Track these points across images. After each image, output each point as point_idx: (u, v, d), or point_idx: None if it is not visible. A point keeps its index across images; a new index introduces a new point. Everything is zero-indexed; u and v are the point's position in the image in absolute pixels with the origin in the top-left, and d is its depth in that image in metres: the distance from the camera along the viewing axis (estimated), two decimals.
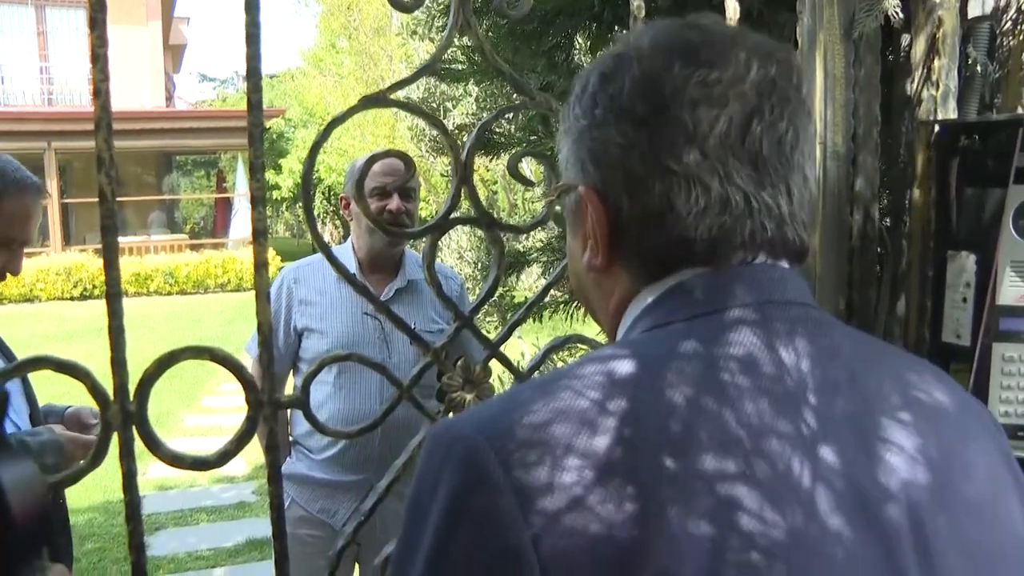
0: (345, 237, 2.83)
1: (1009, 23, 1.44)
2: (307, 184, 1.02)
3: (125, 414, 0.94)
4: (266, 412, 1.00)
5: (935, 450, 0.65)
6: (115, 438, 0.95)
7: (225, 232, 19.89)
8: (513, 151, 2.73)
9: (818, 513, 0.58)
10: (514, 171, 1.14)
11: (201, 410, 7.71)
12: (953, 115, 1.43)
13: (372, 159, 1.05)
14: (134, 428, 0.95)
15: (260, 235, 0.97)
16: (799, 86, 0.70)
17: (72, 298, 15.10)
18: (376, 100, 1.01)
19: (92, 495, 5.66)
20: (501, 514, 0.56)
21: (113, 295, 0.92)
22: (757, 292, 0.67)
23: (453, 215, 1.08)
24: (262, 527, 5.24)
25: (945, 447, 0.66)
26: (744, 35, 0.71)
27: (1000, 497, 0.67)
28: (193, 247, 17.72)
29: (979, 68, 1.48)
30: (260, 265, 0.98)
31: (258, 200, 0.97)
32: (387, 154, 1.09)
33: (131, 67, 18.59)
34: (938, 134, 1.40)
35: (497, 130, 2.83)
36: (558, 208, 0.81)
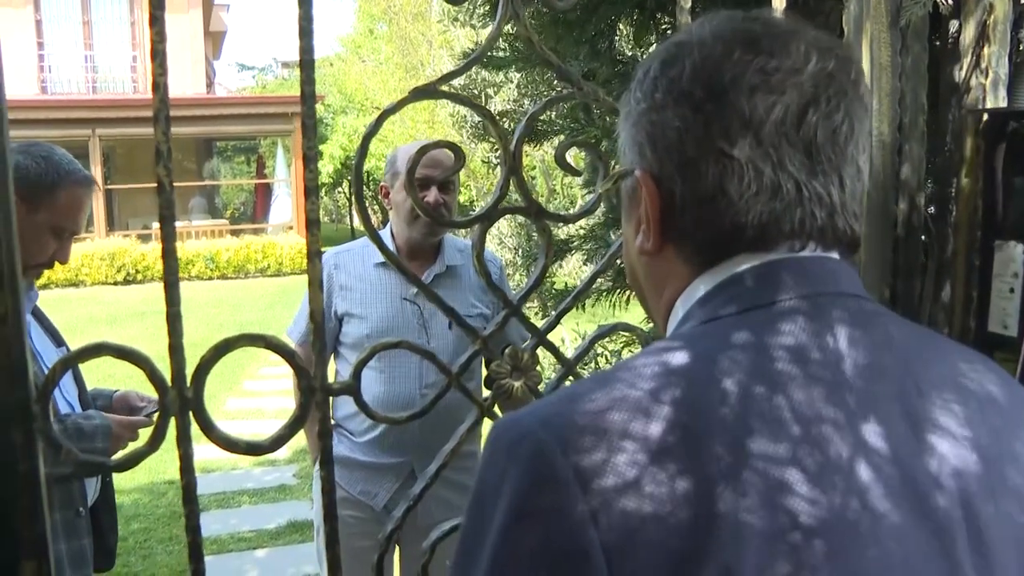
0: (383, 223, 2.86)
1: None
2: (359, 174, 1.04)
3: (183, 400, 0.96)
4: (318, 398, 1.02)
5: (986, 439, 0.66)
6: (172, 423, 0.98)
7: (265, 217, 20.10)
8: (558, 140, 2.73)
9: (870, 501, 0.59)
10: (562, 161, 1.15)
11: (243, 393, 7.82)
12: (1003, 103, 1.42)
13: (423, 150, 1.07)
14: (191, 413, 0.98)
15: (313, 225, 0.99)
16: (857, 82, 0.71)
17: (116, 283, 15.37)
18: (427, 92, 1.02)
19: (138, 476, 5.78)
20: (569, 513, 0.57)
21: (171, 283, 0.95)
22: (809, 284, 0.68)
23: (501, 205, 1.10)
24: (303, 509, 5.32)
25: (996, 436, 0.67)
26: (805, 30, 0.72)
27: None
28: (233, 232, 17.93)
29: None
30: (313, 254, 1.00)
31: (311, 190, 0.99)
32: (437, 145, 1.10)
33: (172, 54, 18.71)
34: (987, 122, 1.39)
35: (540, 117, 2.84)
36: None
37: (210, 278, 15.80)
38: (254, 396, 7.75)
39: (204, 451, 5.68)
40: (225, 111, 17.76)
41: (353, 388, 1.06)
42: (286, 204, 18.99)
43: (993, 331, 1.42)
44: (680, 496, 0.56)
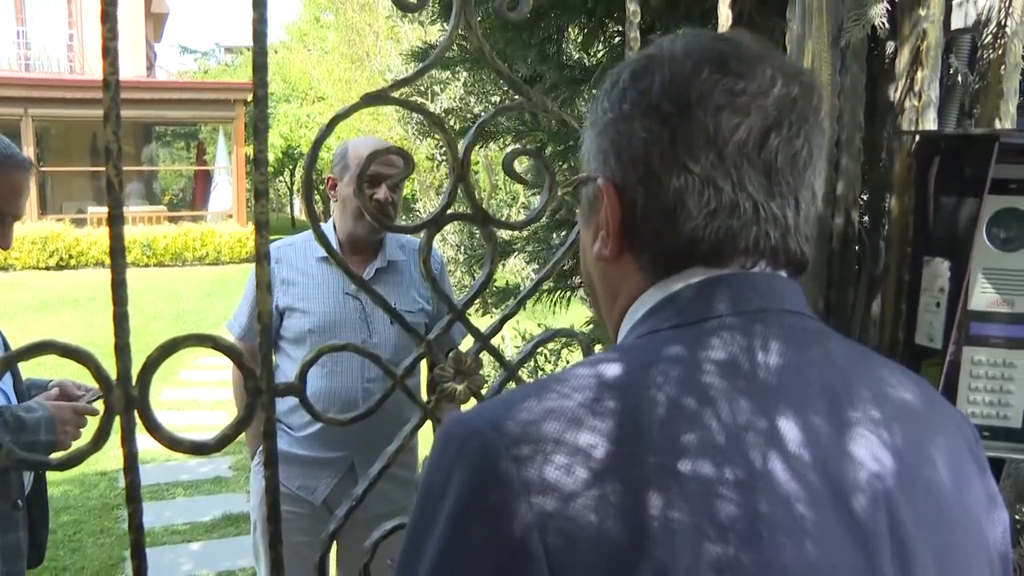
0: (324, 214, 2.87)
1: (989, 37, 1.49)
2: (308, 179, 1.04)
3: (128, 398, 0.96)
4: (264, 400, 1.03)
5: (905, 445, 0.68)
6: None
7: (204, 205, 19.75)
8: (503, 140, 2.75)
9: (795, 508, 0.61)
10: (509, 169, 1.17)
11: (179, 384, 7.70)
12: (933, 125, 1.48)
13: (373, 156, 1.08)
14: (136, 412, 0.98)
15: (262, 227, 1.00)
16: (818, 108, 0.73)
17: (48, 267, 14.97)
18: (378, 98, 1.03)
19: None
20: (514, 513, 0.58)
21: (119, 282, 0.95)
22: (754, 300, 0.70)
23: (449, 211, 1.12)
24: (238, 502, 5.27)
25: (916, 443, 0.70)
26: (773, 55, 0.74)
27: (964, 485, 0.71)
28: (171, 219, 17.59)
29: (960, 79, 1.53)
30: (261, 256, 1.01)
31: (261, 193, 0.99)
32: (387, 151, 1.11)
33: None
34: (918, 143, 1.45)
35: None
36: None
37: (147, 265, 15.48)
38: (190, 386, 7.64)
39: (137, 443, 5.58)
40: (165, 95, 17.39)
41: (299, 389, 1.07)
42: (226, 192, 18.70)
43: (920, 343, 1.48)
44: (614, 504, 0.58)
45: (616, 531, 0.57)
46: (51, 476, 3.91)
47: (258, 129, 0.99)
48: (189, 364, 8.34)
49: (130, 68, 18.52)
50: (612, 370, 0.66)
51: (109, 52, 0.90)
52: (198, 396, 7.27)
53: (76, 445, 1.62)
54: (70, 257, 15.18)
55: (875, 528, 0.63)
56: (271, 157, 21.86)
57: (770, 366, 0.67)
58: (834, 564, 0.61)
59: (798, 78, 0.72)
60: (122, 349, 0.96)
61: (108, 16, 0.89)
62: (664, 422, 0.62)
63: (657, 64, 0.73)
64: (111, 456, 5.84)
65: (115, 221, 0.94)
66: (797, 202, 0.72)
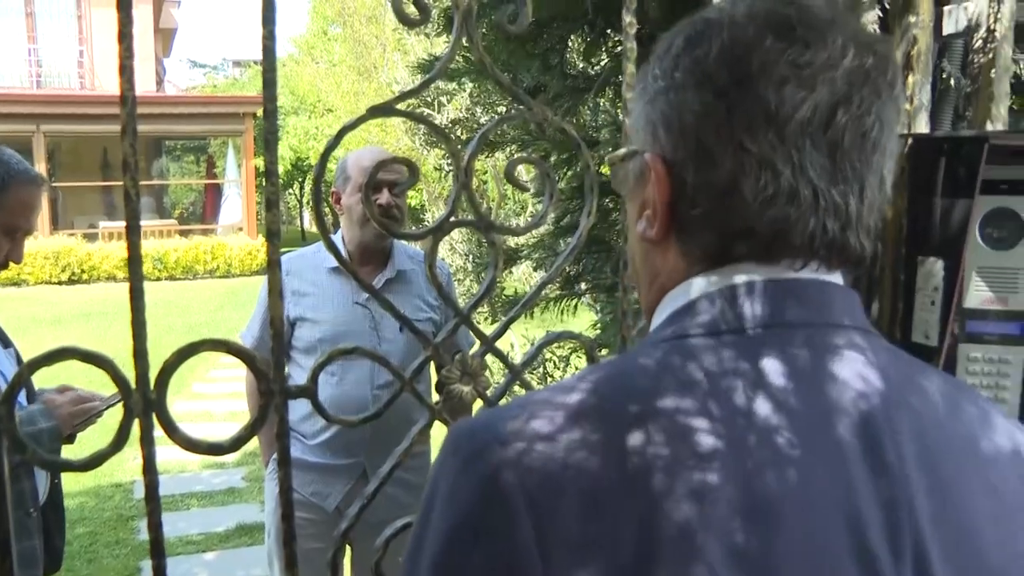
0: (334, 227, 2.92)
1: (980, 41, 1.52)
2: (317, 189, 1.08)
3: (146, 402, 1.00)
4: (277, 401, 1.07)
5: (892, 370, 0.66)
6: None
7: (214, 218, 19.87)
8: (508, 150, 2.80)
9: (776, 439, 0.59)
10: (511, 176, 1.21)
11: (192, 396, 7.74)
12: (926, 128, 1.51)
13: (381, 164, 1.12)
14: (154, 415, 1.02)
15: (274, 236, 1.04)
16: (893, 82, 0.66)
17: (60, 282, 15.10)
18: (384, 110, 1.08)
19: (83, 479, 5.71)
20: (513, 536, 0.57)
21: (136, 290, 0.99)
22: (798, 311, 0.65)
23: (453, 218, 1.15)
24: (252, 512, 5.30)
25: (902, 373, 0.67)
26: (845, 21, 0.66)
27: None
28: (182, 233, 17.72)
29: (953, 82, 1.56)
30: (273, 263, 1.05)
31: (272, 203, 1.03)
32: (394, 160, 1.16)
33: None
34: (911, 146, 1.48)
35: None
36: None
37: (158, 279, 15.58)
38: (203, 399, 7.68)
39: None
40: (175, 110, 17.54)
41: (311, 391, 1.11)
42: (236, 205, 18.81)
43: (917, 341, 1.51)
44: (593, 441, 0.58)
45: (596, 468, 0.57)
46: (66, 488, 3.96)
47: (268, 142, 1.03)
48: (202, 376, 8.39)
49: (140, 83, 18.44)
50: (629, 368, 0.65)
51: (126, 70, 0.94)
52: (212, 408, 7.31)
53: (86, 443, 1.66)
54: (82, 272, 15.30)
55: (856, 442, 0.61)
56: (280, 169, 21.98)
57: (786, 402, 0.61)
58: (821, 489, 0.59)
59: (872, 47, 0.65)
60: (140, 354, 1.00)
61: (125, 36, 0.93)
62: (652, 378, 0.62)
63: (715, 29, 0.66)
64: (126, 468, 5.89)
65: (133, 231, 0.98)
66: (863, 188, 0.65)
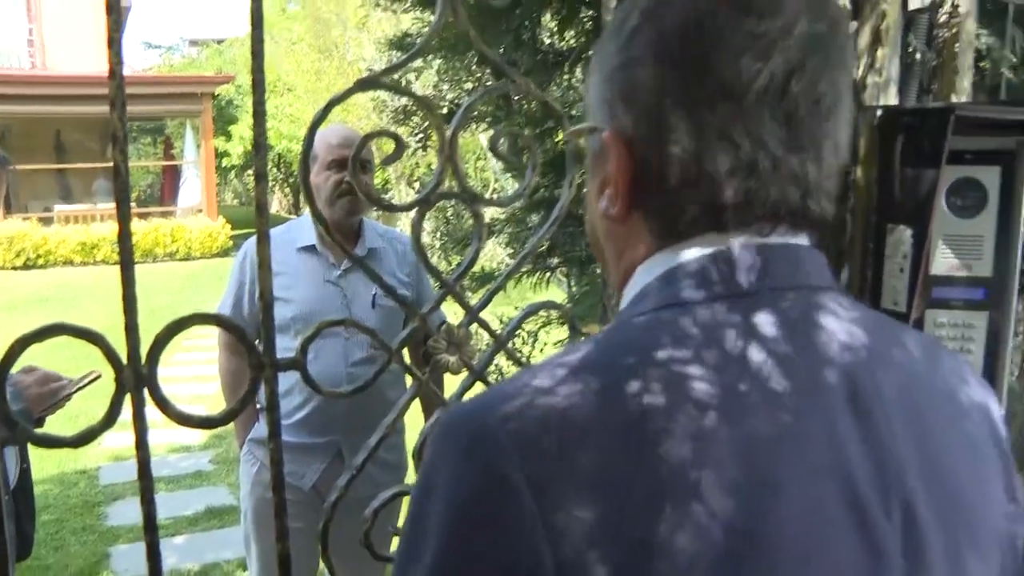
0: (294, 207, 2.92)
1: (944, 16, 1.56)
2: (305, 162, 1.09)
3: (138, 377, 1.01)
4: (267, 374, 1.08)
5: (873, 324, 0.68)
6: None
7: (173, 200, 19.59)
8: (477, 126, 2.81)
9: (769, 386, 0.60)
10: (496, 150, 1.23)
11: (161, 379, 7.65)
12: (894, 100, 1.55)
13: (369, 136, 1.13)
14: (145, 390, 1.03)
15: (263, 209, 1.05)
16: (844, 47, 0.67)
17: (15, 267, 14.80)
18: (373, 83, 1.09)
19: (47, 467, 5.66)
20: (519, 521, 0.56)
21: (126, 264, 0.99)
22: (771, 275, 0.65)
23: (439, 190, 1.17)
24: (220, 495, 5.29)
25: (880, 329, 0.69)
26: None
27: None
28: (140, 215, 17.42)
29: (919, 56, 1.60)
30: (262, 236, 1.05)
31: (261, 176, 1.04)
32: (380, 134, 1.17)
33: (74, 31, 18.12)
34: (880, 118, 1.52)
35: (459, 103, 2.91)
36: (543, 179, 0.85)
37: (117, 263, 15.29)
38: (168, 382, 7.53)
39: (116, 439, 5.59)
40: (131, 90, 16.76)
41: (300, 363, 1.12)
42: (195, 187, 18.55)
43: (886, 307, 1.55)
44: (592, 390, 0.59)
45: (595, 415, 0.58)
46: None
47: (257, 113, 1.03)
48: (165, 360, 8.24)
49: (94, 64, 18.31)
50: (607, 340, 0.66)
51: (114, 43, 0.94)
52: (177, 392, 7.24)
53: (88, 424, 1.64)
54: (38, 256, 15.01)
55: (840, 390, 0.63)
56: (240, 150, 21.71)
57: (777, 351, 0.62)
58: (807, 431, 0.60)
59: (826, 12, 0.65)
60: (131, 328, 1.00)
61: (113, 8, 0.93)
62: (647, 335, 0.63)
63: (670, 2, 0.66)
64: (90, 454, 5.84)
65: (122, 204, 0.98)
66: (820, 155, 0.65)
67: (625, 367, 0.61)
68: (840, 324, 0.66)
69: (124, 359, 1.00)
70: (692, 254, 0.66)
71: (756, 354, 0.62)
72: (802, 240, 0.68)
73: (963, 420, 0.70)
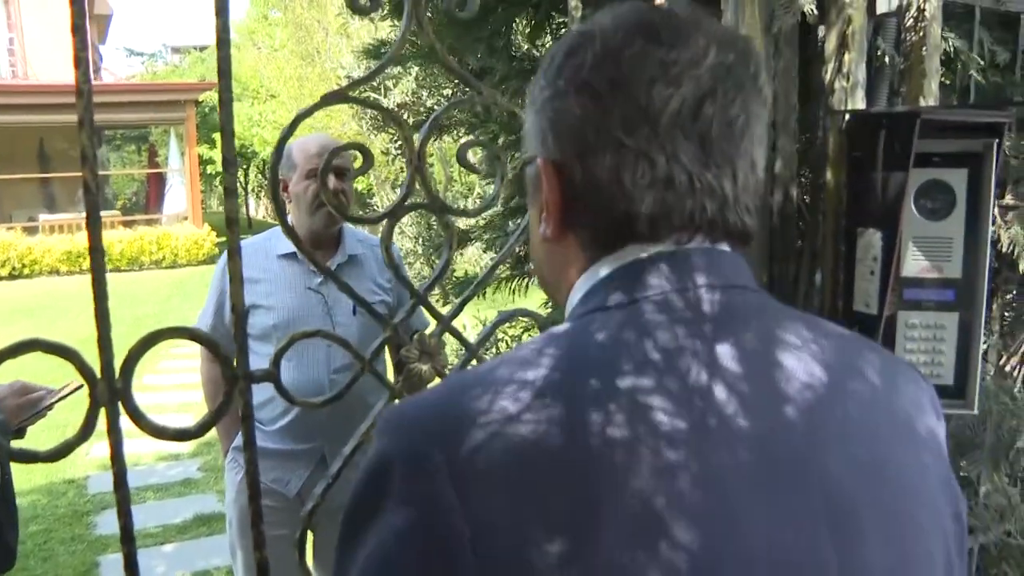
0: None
1: (911, 20, 1.58)
2: (274, 176, 1.10)
3: (112, 391, 1.02)
4: (241, 386, 1.09)
5: (831, 356, 0.70)
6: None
7: (158, 208, 19.54)
8: (456, 133, 2.82)
9: (727, 417, 0.63)
10: (464, 160, 1.24)
11: (143, 388, 7.64)
12: (862, 104, 1.57)
13: (337, 151, 1.14)
14: (120, 403, 1.03)
15: (233, 223, 1.06)
16: (756, 75, 0.72)
17: (0, 278, 14.73)
18: (339, 97, 1.10)
19: (34, 477, 5.64)
20: (439, 501, 0.59)
21: (99, 280, 1.00)
22: (691, 275, 0.69)
23: (407, 201, 1.18)
24: (209, 503, 5.28)
25: (839, 355, 0.71)
26: (706, 23, 0.73)
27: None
28: (126, 223, 17.36)
29: (887, 60, 1.62)
30: (233, 251, 1.06)
31: (231, 191, 1.05)
32: (349, 147, 1.17)
33: (55, 38, 18.04)
34: (848, 122, 1.54)
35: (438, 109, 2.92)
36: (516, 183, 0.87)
37: None
38: (154, 391, 7.59)
39: (104, 448, 5.56)
40: (114, 98, 17.10)
41: (274, 375, 1.13)
42: (180, 194, 18.51)
43: (858, 309, 1.57)
44: (554, 419, 0.60)
45: (556, 443, 0.60)
46: (17, 485, 3.90)
47: (225, 131, 1.04)
48: (152, 368, 8.29)
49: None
50: (545, 349, 0.68)
51: (82, 62, 0.95)
52: (164, 400, 7.23)
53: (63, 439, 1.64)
54: (23, 266, 14.96)
55: (800, 429, 0.65)
56: None
57: (704, 342, 0.66)
58: (771, 459, 0.63)
59: (734, 45, 0.71)
60: (104, 343, 1.01)
61: (79, 28, 0.94)
62: (604, 351, 0.66)
63: (589, 39, 0.73)
64: (78, 464, 5.82)
65: (93, 221, 0.99)
66: (735, 172, 0.71)
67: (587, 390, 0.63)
68: (798, 361, 0.69)
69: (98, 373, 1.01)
70: (615, 264, 0.72)
71: (685, 352, 0.66)
72: (723, 247, 0.73)
73: (920, 450, 0.72)
